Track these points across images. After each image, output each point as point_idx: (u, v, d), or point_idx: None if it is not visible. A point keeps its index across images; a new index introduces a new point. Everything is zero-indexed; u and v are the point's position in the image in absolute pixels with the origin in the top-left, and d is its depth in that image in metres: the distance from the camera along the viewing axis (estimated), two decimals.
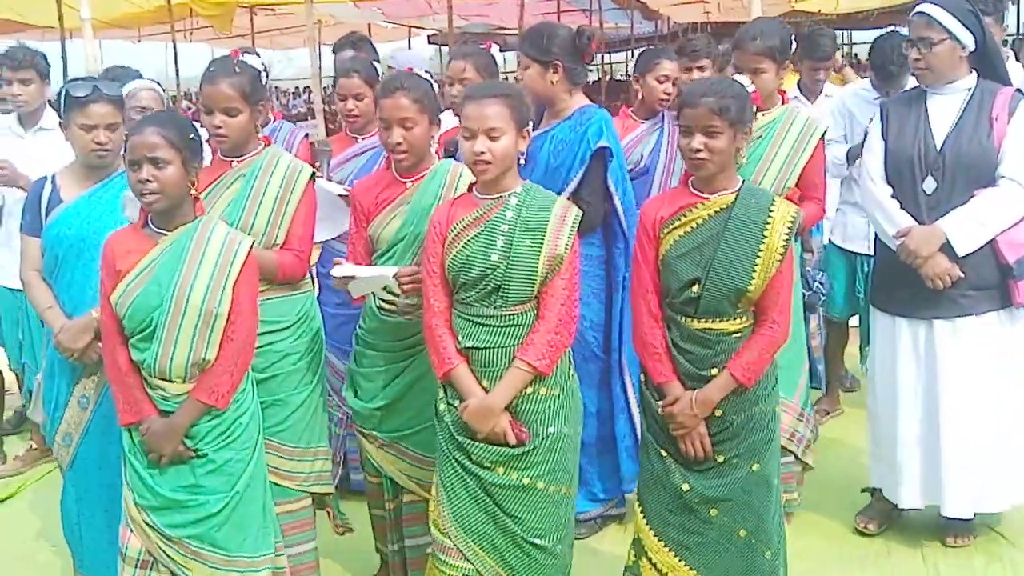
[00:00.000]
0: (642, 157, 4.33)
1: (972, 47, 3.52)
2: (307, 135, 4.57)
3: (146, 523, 2.88)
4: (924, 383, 3.67)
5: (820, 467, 4.40)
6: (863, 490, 4.07)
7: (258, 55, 4.19)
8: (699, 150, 2.81)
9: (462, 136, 2.89)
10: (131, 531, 2.91)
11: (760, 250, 2.84)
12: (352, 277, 3.14)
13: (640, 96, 4.54)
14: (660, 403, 2.94)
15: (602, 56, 15.10)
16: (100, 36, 5.04)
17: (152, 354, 2.81)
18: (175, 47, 13.65)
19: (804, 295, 4.33)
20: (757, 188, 3.02)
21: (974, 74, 3.60)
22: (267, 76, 3.43)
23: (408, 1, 13.98)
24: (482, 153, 2.82)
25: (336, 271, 3.14)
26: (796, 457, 3.95)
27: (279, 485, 3.28)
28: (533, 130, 3.95)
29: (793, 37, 3.97)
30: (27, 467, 4.99)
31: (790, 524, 3.91)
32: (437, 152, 3.34)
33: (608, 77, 18.07)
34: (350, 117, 4.18)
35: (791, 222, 2.87)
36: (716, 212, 2.88)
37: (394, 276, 3.10)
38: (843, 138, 4.86)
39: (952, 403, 3.62)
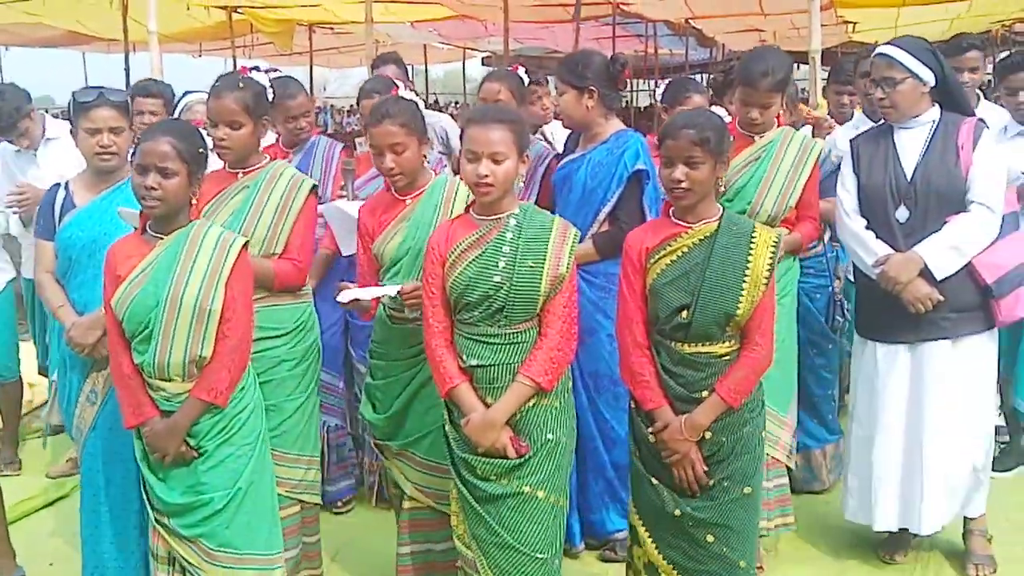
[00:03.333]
0: None
1: (933, 82, 3.63)
2: (345, 147, 4.65)
3: (162, 524, 2.97)
4: (907, 406, 3.72)
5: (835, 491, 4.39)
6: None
7: (277, 70, 4.25)
8: (681, 180, 2.86)
9: (465, 158, 2.94)
10: (154, 531, 3.00)
11: (746, 275, 2.88)
12: (357, 300, 3.24)
13: None
14: (650, 430, 2.97)
15: (656, 81, 15.09)
16: (161, 50, 5.22)
17: (151, 354, 2.89)
18: (235, 63, 13.96)
19: (839, 321, 4.44)
20: (738, 215, 3.08)
21: (936, 107, 3.70)
22: (272, 93, 3.52)
23: (464, 23, 14.09)
24: (486, 176, 2.88)
25: (342, 296, 3.23)
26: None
27: None
28: (568, 154, 4.05)
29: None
30: (77, 469, 5.05)
31: (778, 547, 4.01)
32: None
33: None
34: None
35: (773, 246, 2.91)
36: (700, 240, 2.93)
37: (398, 293, 3.17)
38: None
39: (935, 423, 3.67)
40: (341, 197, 4.11)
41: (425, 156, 3.35)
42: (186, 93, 4.73)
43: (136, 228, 3.10)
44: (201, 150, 2.97)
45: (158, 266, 2.90)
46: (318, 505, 3.66)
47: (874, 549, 4.00)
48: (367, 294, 3.23)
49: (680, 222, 2.96)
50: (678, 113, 3.21)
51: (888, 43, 3.69)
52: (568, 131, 4.25)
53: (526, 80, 4.33)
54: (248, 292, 3.02)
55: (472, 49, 18.72)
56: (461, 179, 3.14)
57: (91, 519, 3.47)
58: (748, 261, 2.88)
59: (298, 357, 3.46)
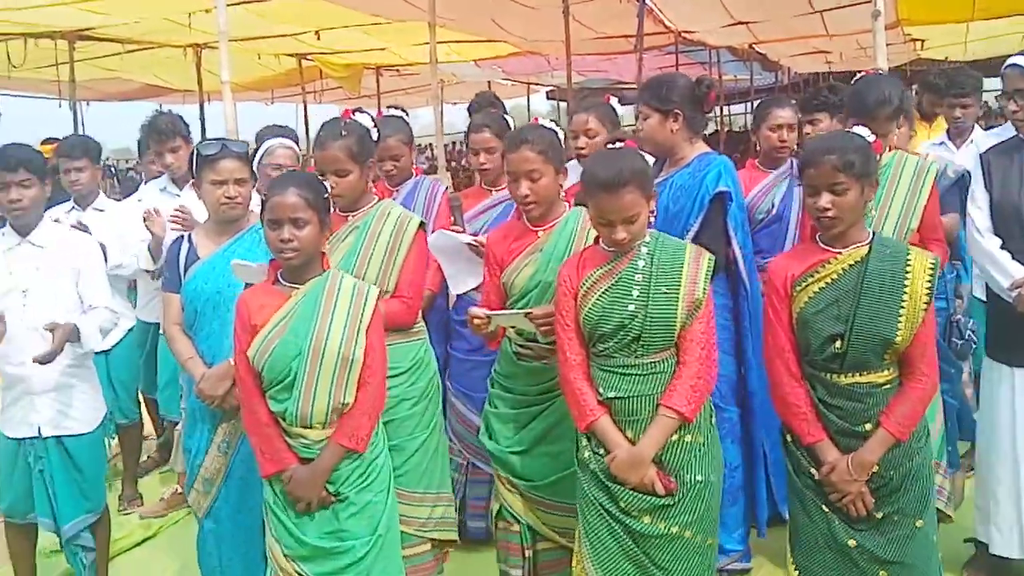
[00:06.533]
0: (773, 206, 4.32)
1: None
2: (447, 188, 4.64)
3: (297, 573, 2.94)
4: None
5: (961, 520, 4.24)
6: (966, 540, 3.91)
7: (397, 108, 4.21)
8: (827, 208, 2.78)
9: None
10: None
11: (903, 300, 2.78)
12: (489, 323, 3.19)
13: (759, 147, 4.55)
14: (814, 468, 2.86)
15: (720, 108, 15.04)
16: (234, 98, 5.36)
17: (293, 403, 2.89)
18: (306, 108, 14.25)
19: (956, 344, 4.24)
20: (889, 238, 2.97)
21: None
22: (378, 132, 3.53)
23: (528, 58, 14.17)
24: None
25: (477, 321, 3.19)
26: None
27: None
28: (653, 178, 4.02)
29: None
30: (170, 510, 5.13)
31: None
32: (567, 201, 3.39)
33: (727, 129, 18.00)
34: (482, 170, 4.25)
35: (931, 270, 2.80)
36: (850, 265, 2.83)
37: (527, 315, 3.13)
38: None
39: None
40: (453, 231, 4.06)
41: (561, 186, 3.31)
42: (265, 138, 4.68)
43: (246, 282, 3.12)
44: (326, 196, 3.00)
45: (298, 316, 2.92)
46: (453, 541, 3.61)
47: None
48: (501, 319, 3.19)
49: (828, 247, 2.88)
50: (815, 136, 3.10)
51: (1021, 53, 3.56)
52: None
53: (619, 109, 4.31)
54: (383, 338, 3.04)
55: (536, 84, 18.82)
56: None
57: (208, 561, 3.51)
58: (905, 285, 2.78)
59: (417, 395, 3.45)
